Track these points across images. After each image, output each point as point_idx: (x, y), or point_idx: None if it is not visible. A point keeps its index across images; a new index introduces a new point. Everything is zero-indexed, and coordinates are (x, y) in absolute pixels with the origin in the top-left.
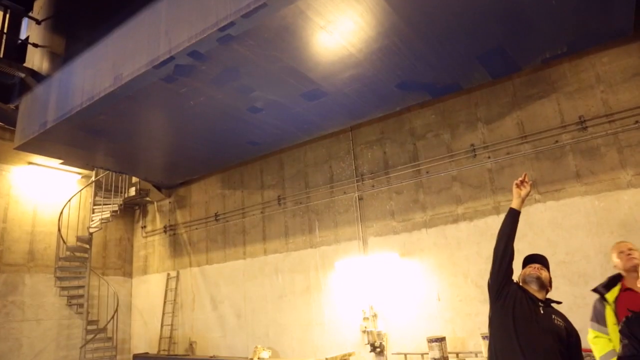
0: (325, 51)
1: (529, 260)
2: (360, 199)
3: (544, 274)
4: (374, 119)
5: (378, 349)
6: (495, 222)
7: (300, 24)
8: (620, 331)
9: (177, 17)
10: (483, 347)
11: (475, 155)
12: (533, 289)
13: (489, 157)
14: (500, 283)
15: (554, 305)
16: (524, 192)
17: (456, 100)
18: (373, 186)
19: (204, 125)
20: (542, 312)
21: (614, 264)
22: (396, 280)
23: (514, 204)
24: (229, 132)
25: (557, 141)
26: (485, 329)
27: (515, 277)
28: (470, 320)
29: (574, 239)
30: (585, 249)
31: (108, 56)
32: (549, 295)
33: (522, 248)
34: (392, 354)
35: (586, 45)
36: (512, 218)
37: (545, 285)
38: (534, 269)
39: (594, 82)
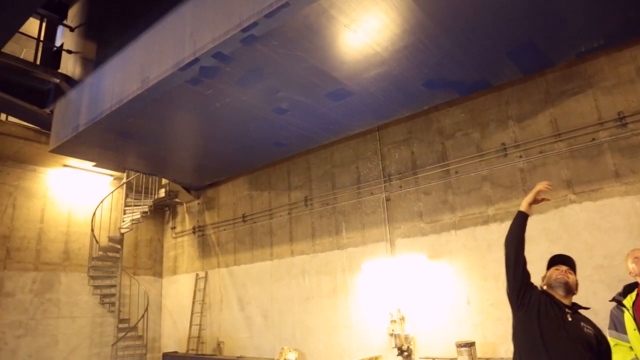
0: (350, 50)
1: (555, 261)
2: (388, 199)
3: (571, 278)
4: (401, 119)
5: (405, 353)
6: (528, 224)
7: (324, 23)
8: None
9: (202, 19)
10: None
11: (507, 154)
12: (559, 294)
13: (520, 157)
14: (519, 291)
15: (581, 311)
16: (541, 197)
17: (486, 98)
18: (401, 187)
19: (230, 126)
20: (570, 319)
21: (630, 271)
22: (424, 282)
23: (525, 207)
24: (255, 133)
25: (594, 139)
26: None
27: (538, 279)
28: (501, 325)
29: (613, 241)
30: (625, 253)
31: (136, 60)
32: (574, 299)
33: (556, 251)
34: (420, 358)
35: (625, 36)
36: (522, 221)
37: (573, 290)
38: (562, 272)
39: (635, 75)
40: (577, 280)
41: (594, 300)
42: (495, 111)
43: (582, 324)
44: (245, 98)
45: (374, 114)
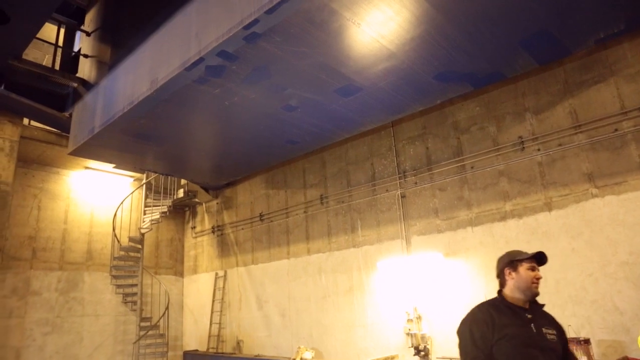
0: (355, 44)
1: (536, 259)
2: (403, 196)
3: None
4: (415, 114)
5: (422, 353)
6: (547, 220)
7: (326, 18)
8: None
9: (206, 19)
10: None
11: (524, 148)
12: (522, 299)
13: (538, 150)
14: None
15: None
16: None
17: (501, 91)
18: (416, 183)
19: (241, 126)
20: (534, 329)
21: None
22: (441, 280)
23: None
24: (267, 132)
25: (616, 129)
26: None
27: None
28: None
29: (638, 237)
30: None
31: (145, 61)
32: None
33: (578, 247)
34: (437, 358)
35: None
36: None
37: None
38: (537, 281)
39: None
40: None
41: (619, 299)
42: (512, 104)
43: (544, 330)
44: (254, 96)
45: (385, 109)
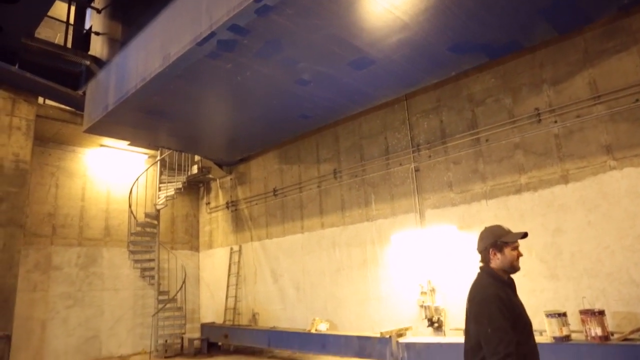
0: (368, 15)
1: (520, 237)
2: (417, 170)
3: None
4: (429, 86)
5: (436, 324)
6: (563, 192)
7: None
8: None
9: None
10: (547, 325)
11: (540, 120)
12: (506, 274)
13: (555, 122)
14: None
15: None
16: None
17: (518, 62)
18: (430, 157)
19: (254, 101)
20: (519, 299)
21: None
22: (454, 254)
23: None
24: (280, 106)
25: (637, 100)
26: (550, 306)
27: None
28: (534, 297)
29: None
30: None
31: (156, 37)
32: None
33: (594, 220)
34: (451, 329)
35: None
36: None
37: None
38: (519, 258)
39: None
40: None
41: (635, 271)
42: (528, 75)
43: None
44: (266, 71)
45: (399, 82)
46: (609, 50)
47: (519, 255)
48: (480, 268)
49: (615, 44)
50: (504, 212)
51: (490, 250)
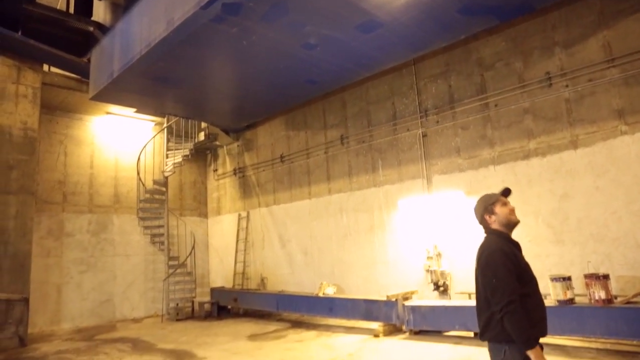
0: None
1: (504, 196)
2: (424, 135)
3: None
4: (437, 50)
5: (442, 288)
6: (571, 158)
7: None
8: None
9: None
10: (551, 289)
11: (551, 84)
12: (509, 231)
13: (566, 86)
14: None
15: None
16: None
17: (529, 24)
18: (437, 122)
19: (260, 65)
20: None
21: None
22: (461, 219)
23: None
24: (286, 71)
25: None
26: (555, 270)
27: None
28: (539, 261)
29: None
30: None
31: (160, 2)
32: None
33: (602, 185)
34: (456, 293)
35: None
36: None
37: None
38: (513, 211)
39: None
40: None
41: None
42: (540, 38)
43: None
44: (272, 35)
45: (407, 46)
46: (626, 10)
47: (511, 209)
48: (485, 233)
49: (633, 4)
50: (512, 178)
51: (485, 216)
